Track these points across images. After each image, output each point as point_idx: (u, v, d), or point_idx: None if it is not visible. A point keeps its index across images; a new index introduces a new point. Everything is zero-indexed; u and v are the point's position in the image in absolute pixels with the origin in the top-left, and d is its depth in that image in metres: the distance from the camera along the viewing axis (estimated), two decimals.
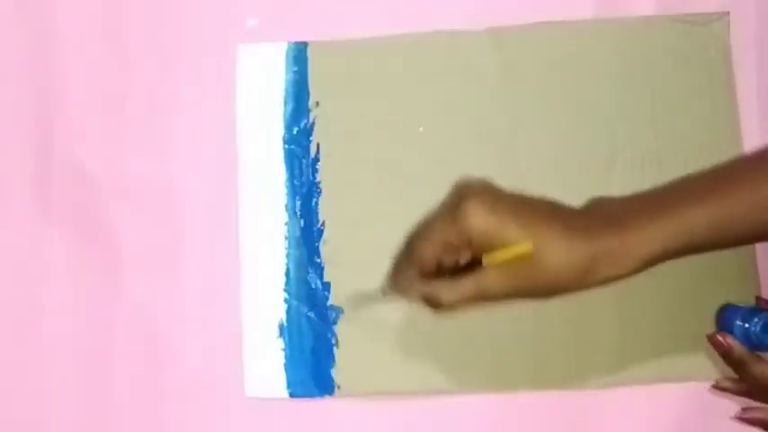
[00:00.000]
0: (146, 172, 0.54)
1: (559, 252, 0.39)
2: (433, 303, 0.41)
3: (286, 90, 0.54)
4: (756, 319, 0.47)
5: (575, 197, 0.52)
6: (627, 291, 0.51)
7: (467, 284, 0.40)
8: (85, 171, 0.54)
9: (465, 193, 0.40)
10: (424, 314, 0.51)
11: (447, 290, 0.41)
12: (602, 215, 0.41)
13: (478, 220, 0.39)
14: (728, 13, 0.54)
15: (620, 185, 0.53)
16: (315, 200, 0.53)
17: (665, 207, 0.40)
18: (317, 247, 0.53)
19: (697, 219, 0.40)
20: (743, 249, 0.52)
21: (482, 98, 0.54)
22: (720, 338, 0.47)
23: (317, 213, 0.53)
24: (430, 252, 0.41)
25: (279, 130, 0.54)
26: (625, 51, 0.54)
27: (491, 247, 0.39)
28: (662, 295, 0.52)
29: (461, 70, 0.54)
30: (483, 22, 0.54)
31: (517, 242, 0.39)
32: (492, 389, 0.51)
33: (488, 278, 0.40)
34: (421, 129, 0.53)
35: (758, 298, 0.50)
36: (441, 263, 0.42)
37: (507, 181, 0.52)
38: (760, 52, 0.54)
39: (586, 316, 0.52)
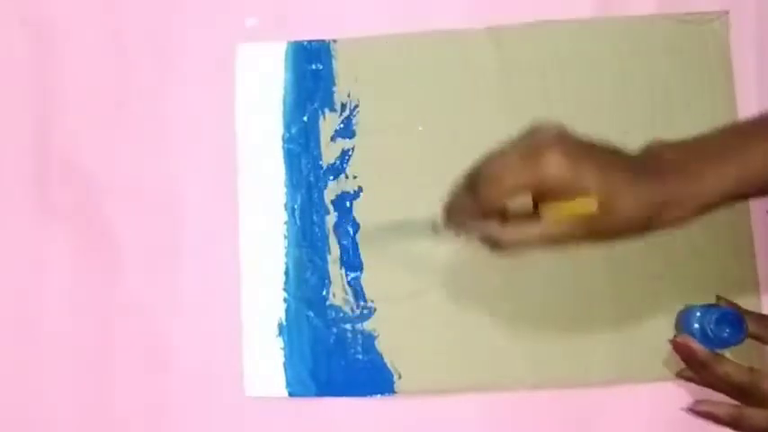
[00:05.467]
0: (145, 172, 0.54)
1: (627, 201, 0.38)
2: (494, 245, 0.41)
3: (285, 89, 0.54)
4: (710, 316, 0.47)
5: None
6: (627, 291, 0.52)
7: (532, 230, 0.40)
8: (85, 171, 0.54)
9: (545, 141, 0.39)
10: (423, 316, 0.51)
11: (511, 233, 0.40)
12: (662, 162, 0.41)
13: (560, 170, 0.38)
14: (728, 12, 0.54)
15: None
16: (315, 200, 0.53)
17: (721, 152, 0.40)
18: (317, 246, 0.53)
19: (754, 163, 0.39)
20: (743, 250, 0.52)
21: (481, 97, 0.54)
22: (681, 342, 0.48)
23: (317, 212, 0.53)
24: (500, 195, 0.40)
25: (278, 130, 0.54)
26: (624, 51, 0.54)
27: (565, 195, 0.39)
28: (662, 295, 0.52)
29: (461, 69, 0.54)
30: (482, 20, 0.54)
31: (590, 194, 0.38)
32: (492, 389, 0.51)
33: (555, 225, 0.39)
34: (420, 128, 0.53)
35: (718, 297, 0.51)
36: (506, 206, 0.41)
37: None
38: (759, 52, 0.54)
39: (586, 315, 0.52)
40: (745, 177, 0.40)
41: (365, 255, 0.52)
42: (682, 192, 0.39)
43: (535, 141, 0.39)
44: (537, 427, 0.52)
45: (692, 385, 0.50)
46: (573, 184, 0.38)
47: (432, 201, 0.53)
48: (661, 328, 0.51)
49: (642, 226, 0.39)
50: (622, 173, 0.39)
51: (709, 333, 0.47)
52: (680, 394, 0.51)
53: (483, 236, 0.41)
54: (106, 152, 0.54)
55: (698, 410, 0.48)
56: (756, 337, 0.48)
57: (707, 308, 0.49)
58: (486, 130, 0.53)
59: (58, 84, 0.55)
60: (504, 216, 0.41)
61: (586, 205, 0.38)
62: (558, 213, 0.39)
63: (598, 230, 0.39)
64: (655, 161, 0.41)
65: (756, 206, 0.52)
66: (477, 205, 0.41)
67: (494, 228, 0.40)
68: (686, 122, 0.53)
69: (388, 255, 0.52)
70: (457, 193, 0.42)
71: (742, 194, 0.40)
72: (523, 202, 0.40)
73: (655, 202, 0.39)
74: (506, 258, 0.42)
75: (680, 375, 0.50)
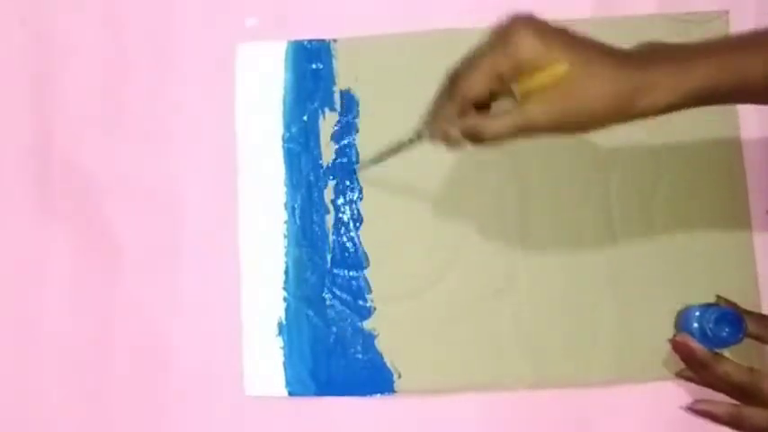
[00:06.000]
0: (146, 172, 0.54)
1: (604, 78, 0.39)
2: (476, 137, 0.41)
3: (285, 89, 0.54)
4: (710, 315, 0.47)
5: (573, 197, 0.53)
6: (627, 291, 0.52)
7: (510, 117, 0.40)
8: (85, 171, 0.54)
9: (513, 24, 0.39)
10: (424, 312, 0.51)
11: (490, 123, 0.40)
12: (650, 52, 0.41)
13: (528, 46, 0.38)
14: (728, 12, 0.54)
15: (618, 185, 0.53)
16: (315, 199, 0.53)
17: (714, 50, 0.40)
18: (317, 245, 0.53)
19: (744, 64, 0.39)
20: (742, 250, 0.52)
21: None
22: (680, 341, 0.48)
23: (317, 212, 0.53)
24: (477, 84, 0.40)
25: (278, 129, 0.54)
26: None
27: (538, 71, 0.39)
28: (661, 295, 0.52)
29: None
30: (482, 20, 0.54)
31: (566, 63, 0.38)
32: (492, 388, 0.51)
33: (532, 109, 0.39)
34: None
35: (718, 297, 0.51)
36: (484, 99, 0.41)
37: (505, 181, 0.53)
38: None
39: (586, 315, 0.52)
40: (726, 75, 0.39)
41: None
42: (658, 78, 0.39)
43: (505, 28, 0.39)
44: (537, 427, 0.52)
45: (692, 385, 0.50)
46: (544, 58, 0.38)
47: (432, 200, 0.53)
48: (661, 328, 0.51)
49: (623, 108, 0.39)
50: (598, 53, 0.39)
51: (709, 333, 0.47)
52: (680, 394, 0.51)
53: (464, 131, 0.41)
54: (106, 152, 0.54)
55: (697, 410, 0.48)
56: (756, 337, 0.48)
57: (706, 307, 0.49)
58: None
59: (58, 84, 0.55)
60: (482, 109, 0.41)
61: (555, 70, 0.38)
62: (531, 85, 0.39)
63: (578, 113, 0.39)
64: (644, 51, 0.41)
65: (756, 206, 0.52)
66: (455, 103, 0.41)
67: (474, 120, 0.41)
68: (686, 122, 0.53)
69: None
70: (437, 99, 0.43)
71: (725, 93, 0.40)
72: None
73: (637, 83, 0.39)
74: (488, 150, 0.42)
75: (679, 375, 0.50)
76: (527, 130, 0.40)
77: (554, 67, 0.38)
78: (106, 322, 0.53)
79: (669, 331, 0.51)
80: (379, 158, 0.49)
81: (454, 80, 0.41)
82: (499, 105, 0.41)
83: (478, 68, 0.40)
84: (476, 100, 0.41)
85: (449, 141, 0.43)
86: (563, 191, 0.53)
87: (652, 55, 0.40)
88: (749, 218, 0.52)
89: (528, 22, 0.39)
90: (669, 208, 0.53)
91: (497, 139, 0.41)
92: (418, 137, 0.45)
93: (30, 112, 0.55)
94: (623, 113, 0.39)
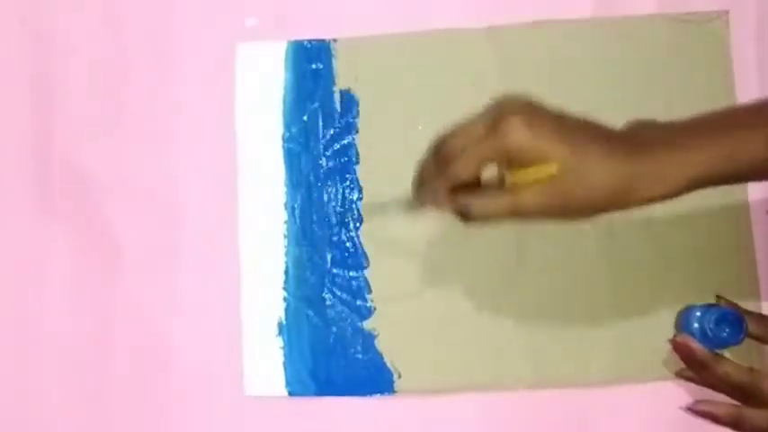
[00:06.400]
0: (146, 172, 0.54)
1: (600, 170, 0.38)
2: (466, 217, 0.41)
3: (285, 89, 0.54)
4: (710, 315, 0.47)
5: None
6: (627, 291, 0.52)
7: (502, 200, 0.39)
8: (85, 171, 0.54)
9: (507, 110, 0.39)
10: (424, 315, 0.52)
11: (481, 204, 0.40)
12: (645, 136, 0.40)
13: (521, 138, 0.38)
14: (728, 11, 0.54)
15: None
16: (315, 199, 0.53)
17: (710, 132, 0.39)
18: (317, 245, 0.53)
19: (742, 145, 0.38)
20: (742, 250, 0.52)
21: (481, 97, 0.53)
22: (680, 341, 0.48)
23: (317, 212, 0.53)
24: (467, 168, 0.40)
25: (278, 129, 0.54)
26: (624, 50, 0.54)
27: (530, 164, 0.38)
28: (661, 295, 0.52)
29: (460, 69, 0.54)
30: (482, 20, 0.54)
31: (558, 160, 0.38)
32: (492, 388, 0.51)
33: (525, 195, 0.39)
34: (420, 127, 0.53)
35: (718, 297, 0.51)
36: (474, 179, 0.41)
37: None
38: (759, 51, 0.54)
39: (586, 315, 0.52)
40: (726, 159, 0.39)
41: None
42: (656, 167, 0.38)
43: (499, 112, 0.39)
44: (537, 427, 0.52)
45: (692, 385, 0.50)
46: (534, 152, 0.38)
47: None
48: (661, 328, 0.51)
49: (618, 199, 0.38)
50: (594, 144, 0.38)
51: (709, 333, 0.47)
52: (680, 394, 0.51)
53: (453, 209, 0.41)
54: (106, 152, 0.54)
55: (697, 410, 0.48)
56: (756, 337, 0.48)
57: (707, 308, 0.49)
58: None
59: (58, 84, 0.55)
60: (472, 187, 0.41)
61: (547, 169, 0.38)
62: (520, 179, 0.39)
63: (570, 202, 0.38)
64: (638, 136, 0.40)
65: (756, 206, 0.52)
66: (445, 178, 0.41)
67: (463, 200, 0.40)
68: None
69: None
70: (424, 167, 0.42)
71: (723, 177, 0.39)
72: (491, 173, 0.40)
73: (632, 174, 0.38)
74: (478, 229, 0.42)
75: (679, 375, 0.50)
76: (518, 215, 0.39)
77: (543, 168, 0.38)
78: (106, 322, 0.53)
79: (669, 331, 0.51)
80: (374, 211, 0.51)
81: (444, 155, 0.41)
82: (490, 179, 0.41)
83: (471, 154, 0.39)
84: (464, 182, 0.40)
85: (439, 211, 0.42)
86: None
87: (646, 140, 0.39)
88: (749, 218, 0.52)
89: (520, 109, 0.39)
90: (669, 208, 0.52)
91: (487, 219, 0.40)
92: (409, 207, 0.47)
93: (30, 112, 0.55)
94: (619, 204, 0.39)
